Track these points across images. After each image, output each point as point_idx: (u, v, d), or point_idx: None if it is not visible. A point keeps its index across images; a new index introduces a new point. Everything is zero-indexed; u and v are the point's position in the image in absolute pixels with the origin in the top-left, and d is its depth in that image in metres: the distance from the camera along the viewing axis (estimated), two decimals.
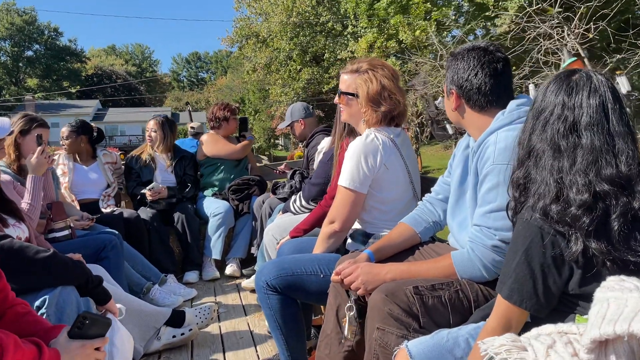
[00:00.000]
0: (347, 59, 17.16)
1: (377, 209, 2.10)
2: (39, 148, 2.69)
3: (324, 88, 22.80)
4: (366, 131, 2.10)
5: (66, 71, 62.21)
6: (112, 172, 3.84)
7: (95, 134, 3.79)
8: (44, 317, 1.76)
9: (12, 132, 2.63)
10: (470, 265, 1.52)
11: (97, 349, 1.45)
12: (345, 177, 2.05)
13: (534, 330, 1.08)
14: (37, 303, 1.83)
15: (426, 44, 14.45)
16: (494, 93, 1.59)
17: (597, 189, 1.08)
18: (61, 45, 64.44)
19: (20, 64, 60.52)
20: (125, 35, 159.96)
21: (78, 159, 3.72)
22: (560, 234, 1.10)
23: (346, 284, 1.68)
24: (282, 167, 4.43)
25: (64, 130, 3.66)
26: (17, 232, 2.28)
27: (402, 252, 1.85)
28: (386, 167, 2.03)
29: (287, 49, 22.19)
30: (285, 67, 23.25)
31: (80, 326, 1.40)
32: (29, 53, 62.64)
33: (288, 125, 3.72)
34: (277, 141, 40.17)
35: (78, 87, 59.00)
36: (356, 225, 2.19)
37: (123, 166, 4.05)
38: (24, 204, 2.55)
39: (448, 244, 1.79)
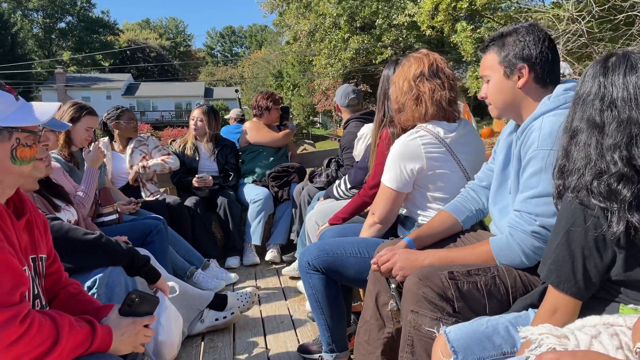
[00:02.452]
0: (405, 24, 15.65)
1: (427, 206, 2.11)
2: (95, 143, 2.94)
3: (376, 59, 20.40)
4: (416, 127, 2.08)
5: (99, 44, 62.29)
6: (143, 155, 3.89)
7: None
8: (95, 296, 1.92)
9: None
10: (509, 251, 1.54)
11: (146, 326, 1.55)
12: (387, 176, 2.09)
13: (579, 322, 1.10)
14: (88, 283, 1.99)
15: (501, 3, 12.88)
16: (554, 72, 1.61)
17: (637, 162, 1.11)
18: (94, 17, 64.71)
19: (53, 36, 61.23)
20: (160, 9, 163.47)
21: (116, 148, 3.91)
22: (603, 214, 1.12)
23: (384, 270, 1.73)
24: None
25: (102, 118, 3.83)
26: (67, 215, 2.49)
27: (443, 240, 1.87)
28: (430, 170, 2.03)
29: (334, 14, 19.84)
30: (331, 35, 21.21)
31: (130, 304, 1.51)
32: (62, 25, 63.46)
33: (341, 106, 3.80)
34: (315, 118, 38.99)
35: (110, 60, 59.28)
36: (408, 212, 2.22)
37: (159, 145, 4.10)
38: (79, 193, 2.77)
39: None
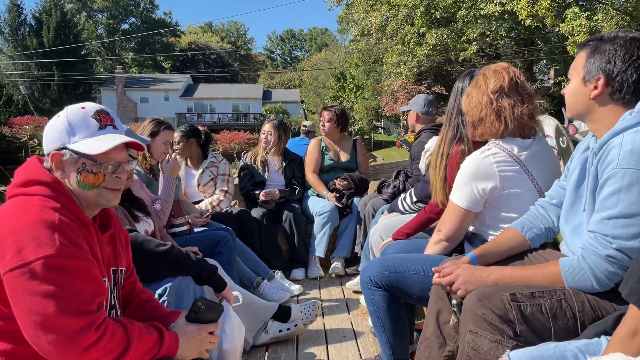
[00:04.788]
0: (495, 14, 14.23)
1: (497, 225, 2.10)
2: (173, 154, 3.28)
3: (458, 56, 18.86)
4: (488, 144, 2.09)
5: (160, 45, 65.30)
6: (211, 177, 4.17)
7: (203, 137, 4.23)
8: (165, 304, 2.12)
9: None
10: (579, 274, 1.52)
11: (210, 333, 1.68)
12: (456, 194, 2.11)
13: None
14: (159, 291, 2.22)
15: None
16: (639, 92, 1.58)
17: None
18: (156, 18, 68.21)
19: (116, 37, 64.18)
20: (223, 12, 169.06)
21: (189, 163, 4.24)
22: None
23: (445, 283, 1.75)
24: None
25: (176, 135, 4.04)
26: (145, 226, 2.79)
27: (510, 258, 1.87)
28: (503, 189, 2.03)
29: (410, 5, 17.98)
30: (404, 30, 19.74)
31: (196, 311, 1.63)
32: (125, 26, 67.10)
33: (407, 110, 3.90)
34: (377, 123, 37.94)
35: (170, 62, 61.37)
36: (476, 230, 2.23)
37: (227, 173, 4.31)
38: (158, 205, 3.08)
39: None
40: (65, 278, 1.34)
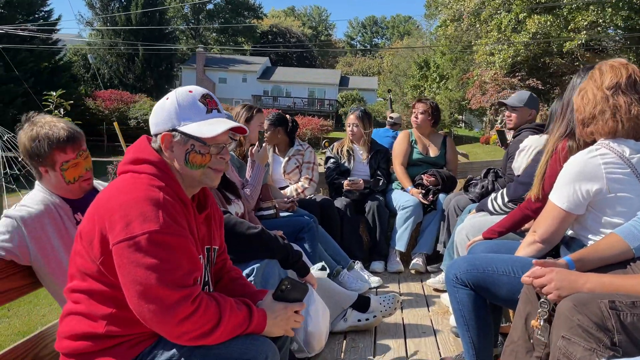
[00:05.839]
0: (612, 0, 13.17)
1: (599, 230, 2.03)
2: (265, 144, 3.45)
3: (562, 47, 17.56)
4: (597, 143, 2.02)
5: (242, 26, 66.97)
6: (297, 165, 4.38)
7: (290, 124, 4.44)
8: (252, 283, 2.25)
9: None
10: None
11: (296, 312, 1.76)
12: (557, 194, 2.05)
13: None
14: (246, 271, 2.43)
15: None
16: None
17: None
18: (240, 0, 70.34)
19: (201, 17, 66.74)
20: None
21: (277, 150, 4.47)
22: None
23: (537, 284, 1.72)
24: None
25: (265, 123, 4.31)
26: (235, 208, 3.01)
27: (610, 266, 1.82)
28: (610, 192, 1.95)
29: None
30: (501, 15, 18.57)
31: (283, 289, 1.72)
32: (210, 6, 68.18)
33: (515, 108, 3.77)
34: (459, 117, 36.67)
35: (251, 44, 63.18)
36: (575, 234, 2.18)
37: (312, 162, 4.48)
38: (247, 189, 3.30)
39: None
40: (167, 253, 1.48)
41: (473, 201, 3.78)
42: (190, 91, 1.68)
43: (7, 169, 11.27)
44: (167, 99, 1.68)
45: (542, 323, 1.70)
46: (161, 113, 1.66)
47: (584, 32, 16.60)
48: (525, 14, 17.61)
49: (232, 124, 1.69)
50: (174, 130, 1.64)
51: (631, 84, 1.99)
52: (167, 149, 1.65)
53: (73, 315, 1.62)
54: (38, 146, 2.11)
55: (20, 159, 10.62)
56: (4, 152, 11.09)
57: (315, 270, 2.93)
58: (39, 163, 2.15)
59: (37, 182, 2.25)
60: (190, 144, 1.64)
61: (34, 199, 2.18)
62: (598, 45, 19.85)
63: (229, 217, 2.57)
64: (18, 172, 11.02)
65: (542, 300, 1.73)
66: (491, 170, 3.89)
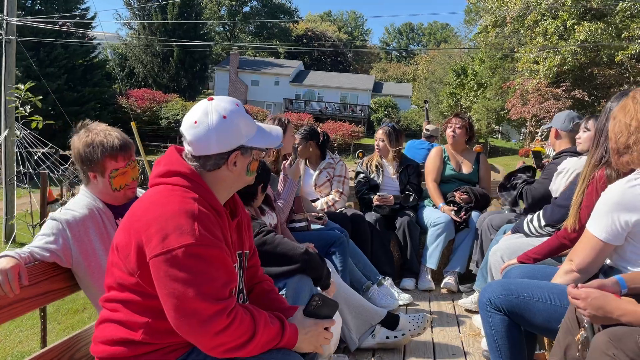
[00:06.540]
0: None
1: (638, 262, 2.02)
2: (297, 160, 3.53)
3: (613, 56, 16.78)
4: (635, 172, 2.00)
5: (277, 29, 68.11)
6: (328, 178, 4.46)
7: (321, 138, 4.51)
8: (284, 297, 2.29)
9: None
10: None
11: (326, 329, 1.80)
12: (594, 224, 2.04)
13: None
14: (279, 284, 2.49)
15: None
16: None
17: None
18: (276, 3, 71.12)
19: (237, 19, 67.59)
20: (342, 2, 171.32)
21: (308, 164, 4.55)
22: None
23: (572, 294, 1.76)
24: None
25: (296, 137, 4.34)
26: (269, 219, 3.09)
27: None
28: None
29: None
30: (547, 21, 17.88)
31: (314, 305, 1.77)
32: (246, 9, 70.09)
33: (548, 129, 3.78)
34: (496, 127, 35.99)
35: (285, 47, 63.29)
36: (614, 264, 2.16)
37: (343, 175, 4.58)
38: (280, 201, 3.38)
39: None
40: (203, 265, 1.52)
41: (510, 221, 3.76)
42: (237, 105, 1.73)
43: (21, 167, 11.43)
44: (224, 117, 1.66)
45: (583, 333, 1.74)
46: (221, 134, 1.65)
47: (639, 41, 16.02)
48: (573, 20, 17.04)
49: (279, 130, 1.84)
50: (242, 147, 1.71)
51: None
52: (230, 164, 1.71)
53: (110, 322, 1.69)
54: (92, 152, 2.23)
55: (36, 156, 10.81)
56: (19, 148, 11.28)
57: None
58: (89, 168, 2.27)
59: (82, 187, 2.37)
60: (253, 154, 1.74)
61: (79, 203, 2.30)
62: None
63: (273, 238, 2.68)
64: (32, 171, 11.14)
65: (582, 328, 1.75)
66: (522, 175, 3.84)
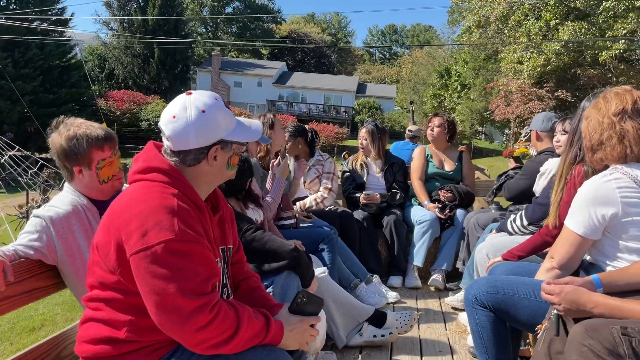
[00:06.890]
0: None
1: (617, 255, 2.07)
2: (285, 158, 3.55)
3: (597, 56, 16.73)
4: (610, 168, 2.06)
5: (260, 31, 67.22)
6: (317, 175, 4.50)
7: (310, 134, 4.57)
8: (270, 294, 2.31)
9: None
10: None
11: (311, 326, 1.81)
12: (572, 220, 2.10)
13: None
14: (265, 282, 2.51)
15: None
16: None
17: None
18: (259, 4, 70.14)
19: (219, 20, 67.37)
20: (326, 3, 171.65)
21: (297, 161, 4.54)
22: None
23: (544, 299, 1.83)
24: None
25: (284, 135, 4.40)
26: (255, 215, 3.10)
27: (636, 291, 1.83)
28: (625, 217, 1.98)
29: None
30: (530, 21, 17.89)
31: (299, 302, 1.77)
32: (228, 10, 69.39)
33: (529, 132, 3.92)
34: (480, 128, 36.26)
35: (268, 49, 63.68)
36: (593, 260, 2.22)
37: (332, 172, 4.61)
38: (268, 199, 3.41)
39: None
40: (184, 261, 1.52)
41: (495, 221, 3.83)
42: (215, 99, 1.73)
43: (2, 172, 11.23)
44: (203, 112, 1.66)
45: (547, 325, 1.82)
46: (200, 129, 1.66)
47: (623, 41, 16.18)
48: (557, 20, 17.19)
49: (259, 123, 1.86)
50: (222, 141, 1.72)
51: (637, 109, 2.05)
52: (210, 159, 1.71)
53: (93, 321, 1.68)
54: (77, 144, 2.21)
55: (2, 159, 10.58)
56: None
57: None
58: (75, 162, 2.24)
59: (66, 185, 2.35)
60: (233, 148, 1.75)
61: (63, 200, 2.28)
62: (635, 57, 19.52)
63: (261, 235, 2.70)
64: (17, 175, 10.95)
65: (553, 313, 1.82)
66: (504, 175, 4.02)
